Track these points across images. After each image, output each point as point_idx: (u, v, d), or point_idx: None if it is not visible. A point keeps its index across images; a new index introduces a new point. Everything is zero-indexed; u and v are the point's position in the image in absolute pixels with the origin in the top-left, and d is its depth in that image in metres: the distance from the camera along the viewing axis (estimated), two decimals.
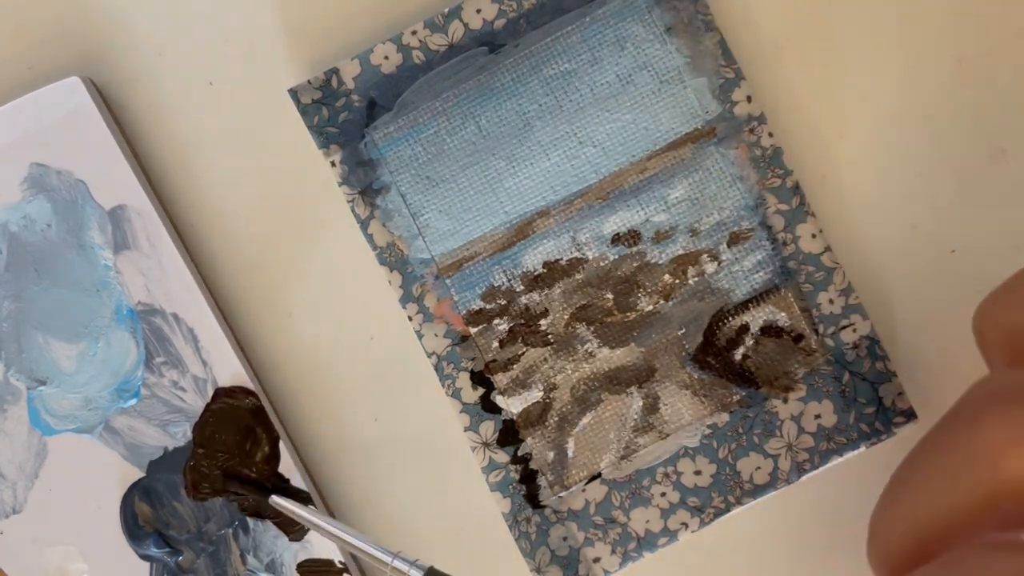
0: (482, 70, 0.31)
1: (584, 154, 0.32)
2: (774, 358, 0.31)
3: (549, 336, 0.32)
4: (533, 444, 0.32)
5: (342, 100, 0.32)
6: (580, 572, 0.32)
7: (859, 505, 0.32)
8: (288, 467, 0.33)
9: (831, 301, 0.31)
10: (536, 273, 0.32)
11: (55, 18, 0.34)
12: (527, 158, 0.32)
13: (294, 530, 0.33)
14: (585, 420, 0.32)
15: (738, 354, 0.32)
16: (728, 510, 0.32)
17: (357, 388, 0.34)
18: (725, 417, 0.32)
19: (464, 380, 0.32)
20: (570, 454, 0.32)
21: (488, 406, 0.32)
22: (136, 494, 0.33)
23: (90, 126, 0.33)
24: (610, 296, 0.32)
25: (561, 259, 0.32)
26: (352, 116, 0.32)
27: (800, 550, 0.33)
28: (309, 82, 0.32)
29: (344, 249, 0.34)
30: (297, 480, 0.33)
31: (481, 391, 0.32)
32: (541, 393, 0.32)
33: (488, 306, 0.32)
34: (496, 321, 0.32)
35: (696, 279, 0.32)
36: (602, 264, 0.32)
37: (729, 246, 0.31)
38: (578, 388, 0.32)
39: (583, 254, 0.32)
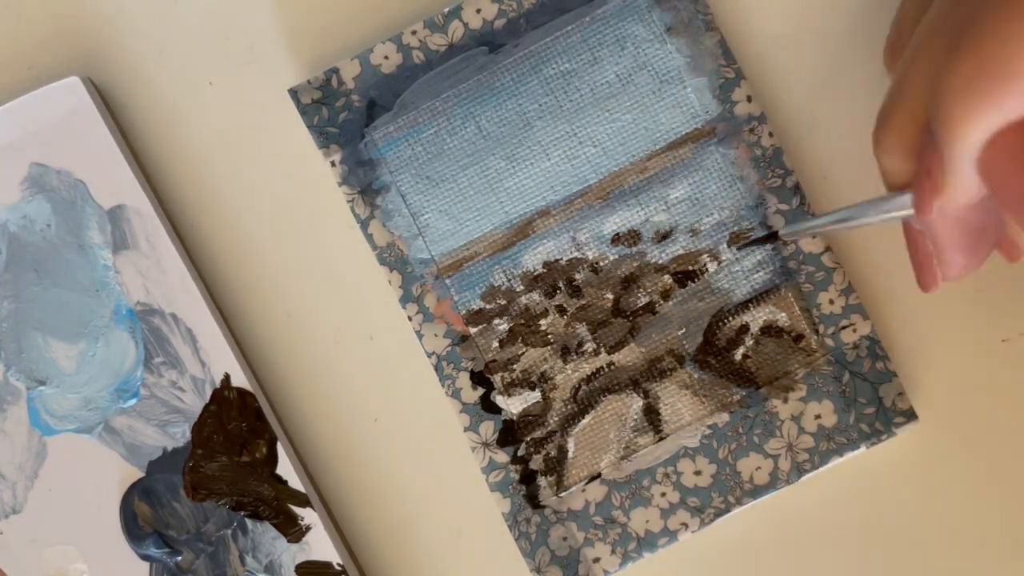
0: (482, 70, 0.31)
1: (584, 154, 0.32)
2: (774, 358, 0.31)
3: (549, 336, 0.32)
4: (533, 444, 0.32)
5: (342, 100, 0.32)
6: (580, 572, 0.32)
7: (859, 505, 0.33)
8: (287, 467, 0.33)
9: (831, 301, 0.31)
10: (536, 273, 0.32)
11: (55, 18, 0.34)
12: (527, 158, 0.32)
13: (292, 531, 0.33)
14: (585, 420, 0.32)
15: (738, 354, 0.32)
16: (728, 510, 0.32)
17: (357, 388, 0.34)
18: (725, 417, 0.32)
19: (464, 380, 0.32)
20: (570, 454, 0.32)
21: (488, 406, 0.32)
22: (136, 494, 0.33)
23: (90, 126, 0.33)
24: (610, 296, 0.32)
25: (561, 259, 0.32)
26: (352, 116, 0.32)
27: (800, 550, 0.33)
28: (309, 82, 0.32)
29: (344, 249, 0.34)
30: (296, 480, 0.33)
31: (481, 391, 0.32)
32: (541, 393, 0.32)
33: (488, 306, 0.32)
34: (496, 321, 0.32)
35: (696, 279, 0.32)
36: (602, 264, 0.32)
37: (729, 246, 0.31)
38: (578, 388, 0.32)
39: (583, 254, 0.32)
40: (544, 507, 0.32)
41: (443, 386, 0.32)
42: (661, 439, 0.32)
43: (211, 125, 0.34)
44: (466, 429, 0.32)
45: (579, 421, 0.32)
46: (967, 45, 0.19)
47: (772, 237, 0.30)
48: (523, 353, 0.32)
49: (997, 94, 0.19)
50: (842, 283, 0.31)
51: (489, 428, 0.32)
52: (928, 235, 0.24)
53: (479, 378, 0.32)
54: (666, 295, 0.32)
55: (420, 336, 0.32)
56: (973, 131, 0.19)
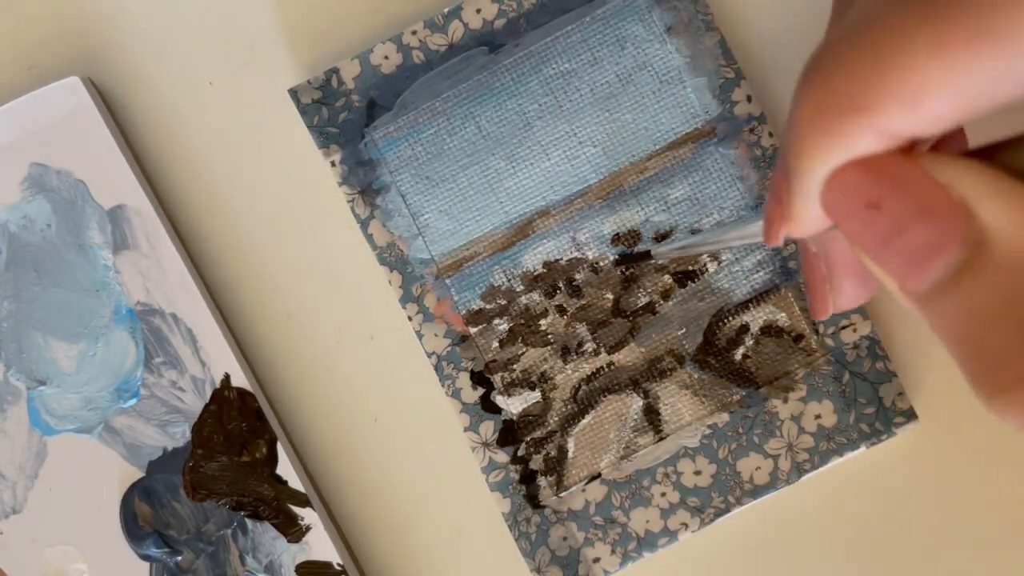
0: (482, 70, 0.31)
1: (584, 154, 0.32)
2: (774, 358, 0.31)
3: (549, 336, 0.32)
4: (533, 444, 0.32)
5: (342, 100, 0.32)
6: (580, 572, 0.32)
7: (859, 505, 0.33)
8: (287, 467, 0.33)
9: None
10: (536, 273, 0.32)
11: (55, 18, 0.34)
12: (527, 158, 0.32)
13: (292, 531, 0.33)
14: (585, 420, 0.32)
15: (738, 354, 0.32)
16: (728, 510, 0.32)
17: (357, 388, 0.34)
18: (725, 417, 0.32)
19: (464, 380, 0.32)
20: (570, 454, 0.32)
21: (488, 406, 0.32)
22: (136, 494, 0.33)
23: (90, 126, 0.33)
24: (610, 296, 0.32)
25: (561, 259, 0.32)
26: (352, 116, 0.32)
27: (800, 550, 0.33)
28: (309, 82, 0.32)
29: (344, 249, 0.34)
30: (296, 480, 0.33)
31: (481, 391, 0.32)
32: (541, 393, 0.32)
33: (488, 306, 0.32)
34: (496, 321, 0.32)
35: (696, 279, 0.32)
36: (602, 264, 0.32)
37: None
38: (578, 388, 0.32)
39: (583, 254, 0.32)
40: (544, 507, 0.32)
41: (443, 386, 0.32)
42: (661, 439, 0.32)
43: (211, 125, 0.34)
44: (466, 429, 0.32)
45: (579, 421, 0.32)
46: (813, 71, 0.18)
47: (645, 255, 0.31)
48: (523, 353, 0.32)
49: (841, 131, 0.17)
50: None
51: (489, 428, 0.32)
52: (823, 257, 0.23)
53: (479, 378, 0.32)
54: (666, 295, 0.32)
55: (420, 336, 0.32)
56: (816, 166, 0.18)
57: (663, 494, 0.32)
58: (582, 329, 0.32)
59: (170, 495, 0.33)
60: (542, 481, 0.32)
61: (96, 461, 0.33)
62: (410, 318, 0.32)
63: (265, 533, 0.33)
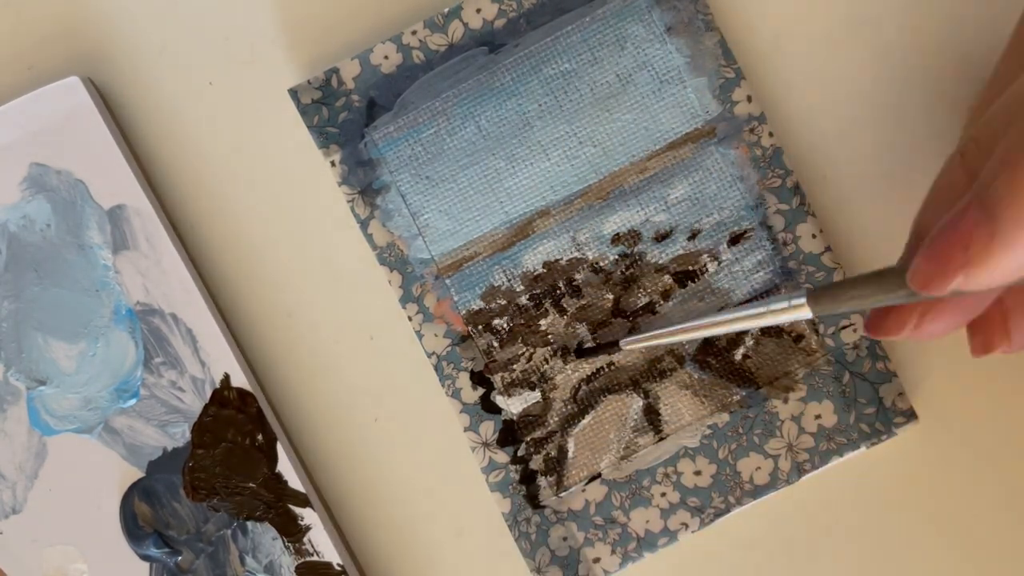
0: (482, 70, 0.31)
1: (584, 154, 0.32)
2: (774, 358, 0.31)
3: (549, 336, 0.32)
4: (533, 444, 0.32)
5: (342, 100, 0.32)
6: (580, 572, 0.32)
7: (859, 505, 0.33)
8: (287, 467, 0.33)
9: None
10: (536, 273, 0.32)
11: (55, 18, 0.34)
12: (527, 158, 0.32)
13: (294, 533, 0.33)
14: (585, 420, 0.32)
15: (738, 354, 0.32)
16: (728, 510, 0.32)
17: (357, 388, 0.34)
18: (725, 417, 0.32)
19: (464, 380, 0.32)
20: (570, 454, 0.32)
21: (488, 406, 0.32)
22: (136, 494, 0.33)
23: (90, 126, 0.33)
24: (610, 296, 0.32)
25: (561, 259, 0.32)
26: (352, 116, 0.32)
27: (800, 550, 0.33)
28: (309, 82, 0.32)
29: (344, 249, 0.34)
30: (296, 480, 0.33)
31: (481, 391, 0.32)
32: (541, 393, 0.32)
33: (488, 306, 0.32)
34: (496, 321, 0.32)
35: (696, 279, 0.32)
36: (602, 264, 0.32)
37: (729, 246, 0.31)
38: (578, 388, 0.32)
39: (583, 254, 0.32)
40: (544, 507, 0.32)
41: (443, 386, 0.32)
42: (661, 439, 0.32)
43: (211, 125, 0.34)
44: (466, 429, 0.32)
45: (579, 421, 0.32)
46: None
47: (612, 345, 0.31)
48: (523, 353, 0.32)
49: None
50: None
51: (489, 428, 0.32)
52: (989, 300, 0.21)
53: (479, 378, 0.32)
54: (666, 295, 0.32)
55: (420, 336, 0.32)
56: None
57: (663, 494, 0.32)
58: (582, 329, 0.32)
59: (170, 495, 0.33)
60: (542, 481, 0.32)
61: (96, 461, 0.33)
62: (410, 318, 0.32)
63: (265, 533, 0.33)
